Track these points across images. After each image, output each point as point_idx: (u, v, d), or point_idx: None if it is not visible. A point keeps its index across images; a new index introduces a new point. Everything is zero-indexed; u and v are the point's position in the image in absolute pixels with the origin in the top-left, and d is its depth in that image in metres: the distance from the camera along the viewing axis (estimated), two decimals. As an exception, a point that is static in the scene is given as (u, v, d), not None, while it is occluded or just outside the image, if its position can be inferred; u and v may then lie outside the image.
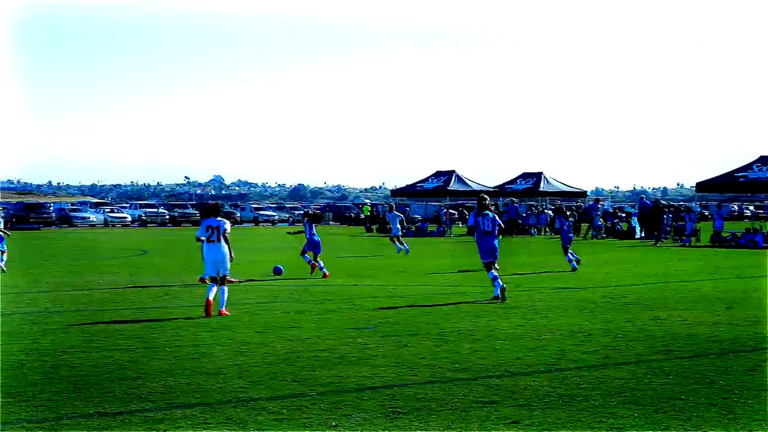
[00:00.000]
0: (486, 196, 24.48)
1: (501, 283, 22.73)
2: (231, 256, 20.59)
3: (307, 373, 13.37)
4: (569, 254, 33.47)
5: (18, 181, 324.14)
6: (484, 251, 23.59)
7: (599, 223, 62.13)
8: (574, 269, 32.27)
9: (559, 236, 38.73)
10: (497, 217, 23.94)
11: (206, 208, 22.03)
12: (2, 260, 32.10)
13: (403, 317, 19.57)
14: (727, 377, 12.92)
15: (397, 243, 43.12)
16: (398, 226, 43.56)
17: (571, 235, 35.06)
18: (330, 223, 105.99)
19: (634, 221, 61.07)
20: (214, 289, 20.18)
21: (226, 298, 20.29)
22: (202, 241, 20.71)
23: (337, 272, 31.75)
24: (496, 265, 23.46)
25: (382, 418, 10.66)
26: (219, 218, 20.82)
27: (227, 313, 19.95)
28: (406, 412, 10.92)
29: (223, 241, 20.54)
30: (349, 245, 54.82)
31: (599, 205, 68.13)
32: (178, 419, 10.59)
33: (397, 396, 11.80)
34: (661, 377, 12.96)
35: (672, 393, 11.91)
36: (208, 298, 19.88)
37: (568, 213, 39.37)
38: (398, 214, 45.13)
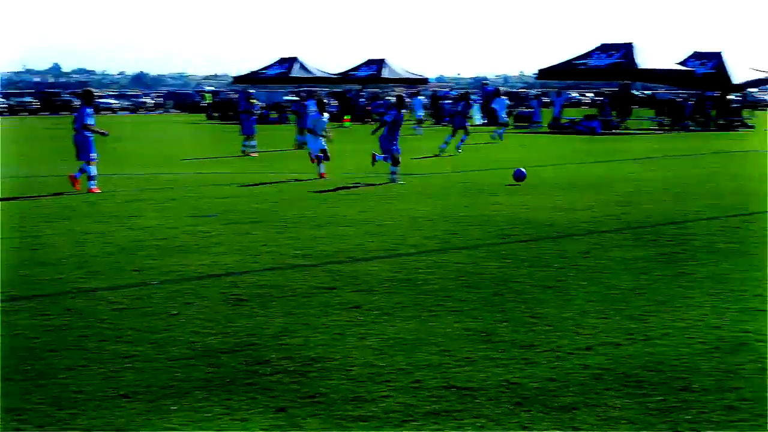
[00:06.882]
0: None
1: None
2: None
3: (148, 262, 13.29)
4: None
5: None
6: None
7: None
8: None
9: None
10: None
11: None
12: None
13: (246, 205, 19.52)
14: (562, 260, 13.25)
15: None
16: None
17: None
18: (171, 111, 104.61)
19: (477, 108, 61.41)
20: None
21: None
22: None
23: (178, 161, 31.47)
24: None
25: (223, 305, 10.67)
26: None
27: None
28: (248, 299, 10.95)
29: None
30: (192, 132, 54.19)
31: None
32: (17, 311, 10.41)
33: (238, 283, 11.82)
34: (499, 261, 13.24)
35: (509, 276, 12.18)
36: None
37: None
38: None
